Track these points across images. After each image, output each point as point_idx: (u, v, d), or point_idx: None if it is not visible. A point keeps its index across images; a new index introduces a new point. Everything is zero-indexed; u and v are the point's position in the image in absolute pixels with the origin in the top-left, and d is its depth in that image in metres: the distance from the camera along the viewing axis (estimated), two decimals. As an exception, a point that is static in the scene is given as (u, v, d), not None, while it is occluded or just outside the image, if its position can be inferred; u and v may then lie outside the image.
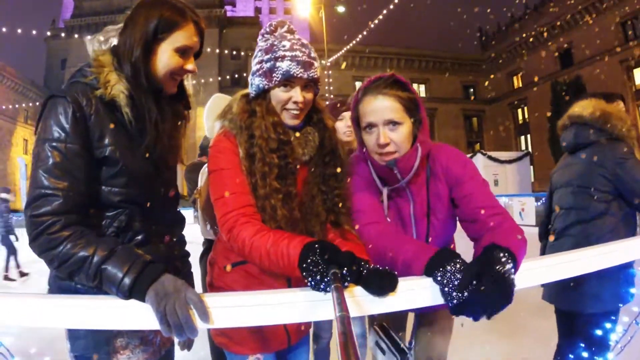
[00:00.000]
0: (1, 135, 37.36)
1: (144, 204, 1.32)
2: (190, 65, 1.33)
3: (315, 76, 1.44)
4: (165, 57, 1.28)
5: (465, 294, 1.03)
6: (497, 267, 1.05)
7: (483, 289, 1.02)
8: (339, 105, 2.67)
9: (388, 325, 1.62)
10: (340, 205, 1.48)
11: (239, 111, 1.46)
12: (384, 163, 1.45)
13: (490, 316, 1.04)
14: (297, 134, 1.48)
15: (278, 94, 1.43)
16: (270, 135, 1.41)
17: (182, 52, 1.30)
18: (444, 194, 1.51)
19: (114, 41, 1.33)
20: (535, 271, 1.25)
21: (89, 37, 1.33)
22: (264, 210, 1.38)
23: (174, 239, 1.50)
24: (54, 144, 1.16)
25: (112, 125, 1.24)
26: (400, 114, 1.42)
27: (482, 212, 1.38)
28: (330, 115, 2.51)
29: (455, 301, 1.05)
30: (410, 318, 1.90)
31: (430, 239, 1.55)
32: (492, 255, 1.09)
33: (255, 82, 1.46)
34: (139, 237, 1.31)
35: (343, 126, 2.58)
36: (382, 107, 1.42)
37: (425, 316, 1.79)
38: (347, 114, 2.54)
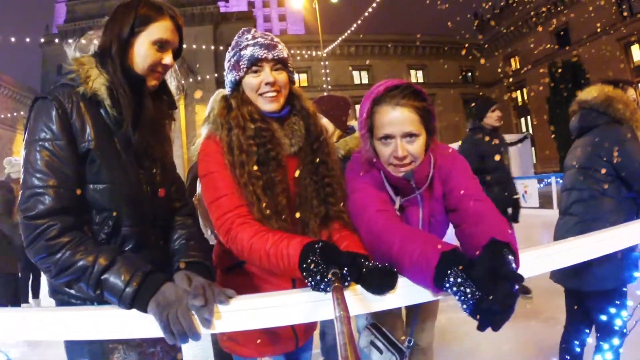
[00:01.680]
0: (2, 144, 37.36)
1: (130, 203, 1.29)
2: (167, 59, 1.35)
3: (281, 56, 1.46)
4: (142, 50, 1.31)
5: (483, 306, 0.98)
6: (506, 271, 1.01)
7: (496, 298, 0.97)
8: (342, 103, 2.63)
9: (382, 325, 1.63)
10: (332, 195, 1.48)
11: (218, 110, 1.49)
12: (400, 174, 1.44)
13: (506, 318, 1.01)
14: (281, 126, 1.49)
15: (249, 81, 1.46)
16: (246, 123, 1.43)
17: (160, 45, 1.33)
18: (439, 194, 1.52)
19: (94, 49, 1.35)
20: (541, 260, 1.26)
21: (70, 43, 1.35)
22: (246, 199, 1.37)
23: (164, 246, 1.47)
24: (41, 143, 1.17)
25: (93, 120, 1.24)
26: (418, 125, 1.40)
27: (464, 195, 1.40)
28: (337, 113, 2.49)
29: (476, 315, 1.00)
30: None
31: None
32: (500, 255, 1.05)
33: (228, 78, 1.50)
34: (130, 243, 1.29)
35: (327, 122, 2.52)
36: (400, 119, 1.39)
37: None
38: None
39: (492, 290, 0.97)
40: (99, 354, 1.26)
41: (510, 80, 41.55)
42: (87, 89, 1.24)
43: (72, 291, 1.26)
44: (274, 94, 1.45)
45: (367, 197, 1.44)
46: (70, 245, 1.11)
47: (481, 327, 1.00)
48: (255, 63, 1.45)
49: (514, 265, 1.05)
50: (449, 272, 1.03)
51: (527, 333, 3.52)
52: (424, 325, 1.87)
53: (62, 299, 1.29)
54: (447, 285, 1.03)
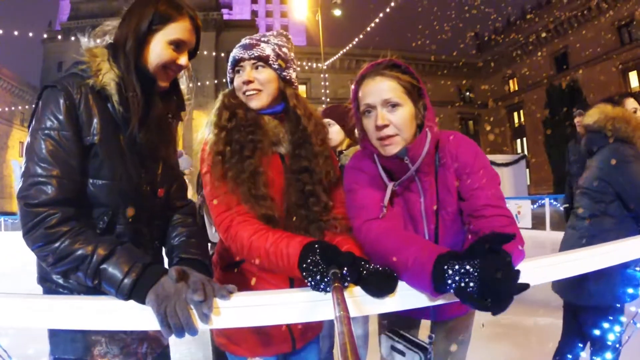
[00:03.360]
0: (-2, 137, 37.18)
1: (128, 202, 1.29)
2: (182, 60, 1.33)
3: (259, 54, 1.48)
4: (158, 49, 1.29)
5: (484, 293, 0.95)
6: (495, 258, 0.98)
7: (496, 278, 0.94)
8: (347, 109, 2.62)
9: (400, 329, 1.58)
10: (316, 204, 1.46)
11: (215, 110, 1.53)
12: (390, 153, 1.34)
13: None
14: (281, 123, 1.52)
15: (235, 81, 1.52)
16: (223, 113, 1.48)
17: (176, 45, 1.31)
18: (452, 186, 1.41)
19: (109, 39, 1.34)
20: (537, 270, 1.26)
21: (84, 37, 1.34)
22: (233, 192, 1.38)
23: (160, 246, 1.48)
24: (47, 132, 1.16)
25: (100, 114, 1.23)
26: (399, 94, 1.32)
27: (488, 210, 1.31)
28: (347, 121, 2.50)
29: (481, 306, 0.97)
30: (423, 325, 1.73)
31: (439, 236, 1.45)
32: (491, 236, 1.01)
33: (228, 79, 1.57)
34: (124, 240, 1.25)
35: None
36: (379, 88, 1.33)
37: (444, 325, 1.65)
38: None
39: (491, 259, 0.96)
40: (81, 347, 1.25)
41: (508, 101, 41.96)
42: (97, 82, 1.23)
43: (61, 280, 1.25)
44: (253, 92, 1.48)
45: (360, 201, 1.38)
46: (70, 234, 1.09)
47: (493, 307, 0.96)
48: (236, 64, 1.51)
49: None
50: (445, 267, 1.01)
51: (518, 350, 3.53)
52: (454, 351, 1.64)
53: (50, 287, 1.28)
54: (449, 281, 1.00)
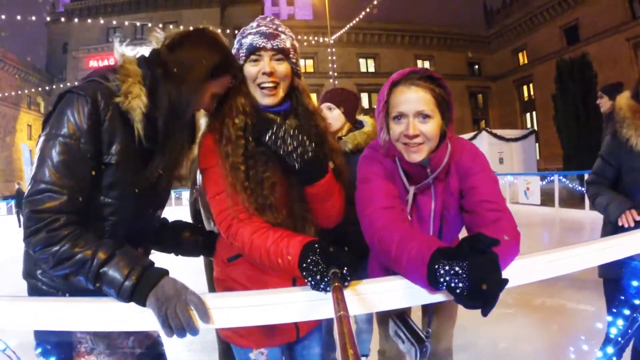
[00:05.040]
0: (5, 122, 37.39)
1: (131, 221, 1.31)
2: (211, 107, 1.42)
3: (282, 46, 1.43)
4: (201, 97, 1.32)
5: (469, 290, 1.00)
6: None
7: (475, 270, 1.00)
8: (353, 97, 2.58)
9: (408, 314, 1.61)
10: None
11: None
12: (415, 160, 1.39)
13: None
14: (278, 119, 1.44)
15: (248, 69, 1.44)
16: (237, 115, 1.41)
17: (213, 96, 1.37)
18: (455, 189, 1.48)
19: (143, 50, 1.34)
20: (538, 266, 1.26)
21: (118, 42, 1.32)
22: (232, 191, 1.36)
23: (144, 253, 1.50)
24: (67, 140, 1.13)
25: (122, 135, 1.22)
26: (432, 107, 1.37)
27: (483, 205, 1.38)
28: (348, 105, 2.47)
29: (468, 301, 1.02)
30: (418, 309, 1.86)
31: (443, 234, 1.53)
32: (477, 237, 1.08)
33: None
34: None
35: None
36: (414, 98, 1.37)
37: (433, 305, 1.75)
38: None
39: (478, 263, 1.01)
40: (66, 344, 1.26)
41: (518, 74, 41.32)
42: (124, 104, 1.20)
43: (45, 279, 1.27)
44: (272, 84, 1.42)
45: (375, 190, 1.42)
46: (70, 238, 1.09)
47: (480, 306, 1.02)
48: (253, 52, 1.42)
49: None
50: (437, 266, 1.05)
51: (525, 328, 3.56)
52: (440, 331, 1.81)
53: (34, 285, 1.29)
54: (442, 279, 1.04)
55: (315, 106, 1.54)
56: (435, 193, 1.50)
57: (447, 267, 1.03)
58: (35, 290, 1.29)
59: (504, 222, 1.31)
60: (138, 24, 32.49)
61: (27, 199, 1.11)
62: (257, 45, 1.41)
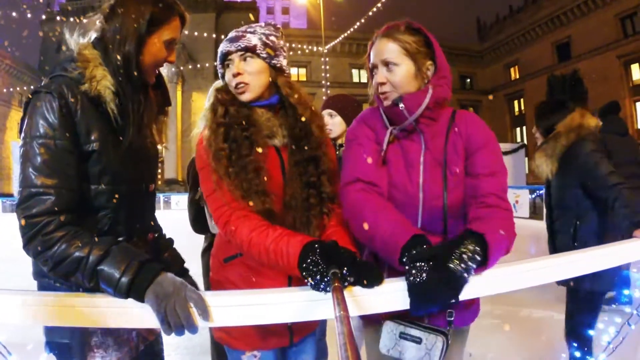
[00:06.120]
0: (-4, 119, 36.94)
1: (129, 203, 1.31)
2: (173, 56, 1.37)
3: (246, 44, 1.45)
4: (154, 50, 1.31)
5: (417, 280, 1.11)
6: (451, 262, 1.12)
7: (426, 278, 1.10)
8: (355, 104, 2.60)
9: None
10: (314, 195, 1.46)
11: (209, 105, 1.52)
12: (387, 105, 1.45)
13: (440, 304, 1.17)
14: (275, 114, 1.50)
15: (226, 76, 1.50)
16: (218, 107, 1.46)
17: (169, 43, 1.34)
18: (460, 149, 1.45)
19: (93, 34, 1.33)
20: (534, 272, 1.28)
21: (67, 34, 1.31)
22: (217, 178, 1.38)
23: (156, 235, 1.51)
24: (42, 140, 1.14)
25: (98, 121, 1.23)
26: (397, 55, 1.42)
27: (491, 199, 1.36)
28: (350, 112, 2.48)
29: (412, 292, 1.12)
30: None
31: (447, 195, 1.43)
32: (456, 246, 1.17)
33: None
34: (121, 240, 1.26)
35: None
36: (380, 49, 1.45)
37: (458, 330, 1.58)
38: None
39: (437, 273, 1.11)
40: (78, 331, 1.25)
41: (509, 89, 41.71)
42: (91, 89, 1.21)
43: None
44: (242, 85, 1.45)
45: (354, 155, 1.48)
46: (66, 239, 1.09)
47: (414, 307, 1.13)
48: (224, 58, 1.49)
49: (467, 264, 1.14)
50: (404, 259, 1.18)
51: (513, 340, 3.59)
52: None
53: (47, 284, 1.28)
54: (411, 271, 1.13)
55: (301, 97, 1.53)
56: (426, 141, 1.46)
57: (411, 264, 1.14)
58: (46, 289, 1.28)
59: (503, 213, 1.36)
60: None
61: (18, 208, 1.11)
62: (224, 51, 1.48)
